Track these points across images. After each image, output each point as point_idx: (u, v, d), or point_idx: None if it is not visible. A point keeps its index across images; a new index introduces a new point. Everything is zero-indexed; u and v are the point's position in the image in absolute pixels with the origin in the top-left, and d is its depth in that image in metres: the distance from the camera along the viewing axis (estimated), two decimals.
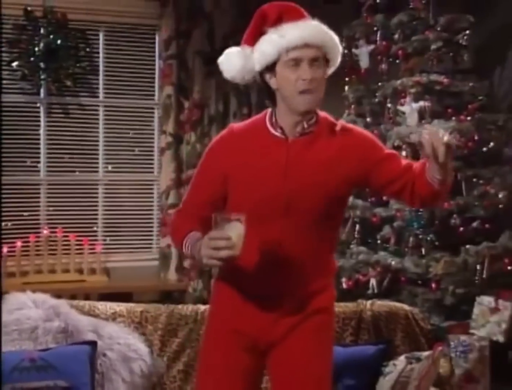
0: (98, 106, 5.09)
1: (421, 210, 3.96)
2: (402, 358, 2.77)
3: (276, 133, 2.23)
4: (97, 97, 5.08)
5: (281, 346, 2.26)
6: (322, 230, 2.24)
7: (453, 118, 4.12)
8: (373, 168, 2.24)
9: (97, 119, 5.09)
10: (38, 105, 4.94)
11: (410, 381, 2.64)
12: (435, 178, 2.08)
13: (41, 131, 4.96)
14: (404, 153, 4.12)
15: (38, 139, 4.95)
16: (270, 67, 2.19)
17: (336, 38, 2.22)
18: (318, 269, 2.28)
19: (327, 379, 2.27)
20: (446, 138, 1.99)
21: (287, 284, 2.23)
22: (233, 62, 2.24)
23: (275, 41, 2.14)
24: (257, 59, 2.19)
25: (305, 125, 2.20)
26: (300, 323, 2.25)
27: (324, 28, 2.20)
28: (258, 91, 5.15)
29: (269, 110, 2.27)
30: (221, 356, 2.26)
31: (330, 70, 2.26)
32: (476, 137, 4.11)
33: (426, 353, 2.72)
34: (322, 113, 2.28)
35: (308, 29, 2.15)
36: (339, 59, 2.26)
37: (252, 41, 2.21)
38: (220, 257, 2.01)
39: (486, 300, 3.86)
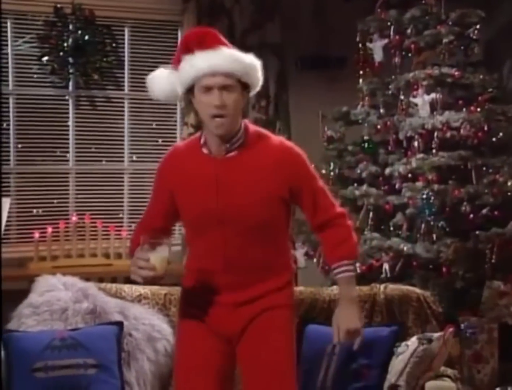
0: (123, 98, 5.17)
1: (432, 197, 4.01)
2: (414, 339, 2.78)
3: (206, 152, 2.32)
4: (123, 90, 5.16)
5: (243, 339, 2.37)
6: (262, 235, 2.34)
7: (464, 109, 4.15)
8: (304, 193, 2.36)
9: (123, 111, 5.17)
10: (67, 98, 5.03)
11: (422, 361, 2.67)
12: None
13: (70, 123, 5.04)
14: (416, 143, 4.22)
15: (67, 131, 5.04)
16: (191, 90, 2.28)
17: (252, 63, 2.28)
18: (267, 270, 2.38)
19: (289, 371, 2.35)
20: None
21: (237, 284, 2.35)
22: (162, 84, 2.33)
23: (188, 69, 2.23)
24: (180, 83, 2.27)
25: (228, 146, 2.29)
26: (258, 316, 2.35)
27: (237, 56, 2.25)
28: (276, 83, 5.30)
29: (202, 130, 2.37)
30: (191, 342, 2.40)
31: (251, 93, 2.34)
32: (485, 128, 4.13)
33: (437, 334, 2.73)
34: (254, 129, 2.37)
35: (216, 58, 2.21)
36: (259, 82, 2.32)
37: (177, 65, 2.28)
38: (141, 275, 2.19)
39: (495, 284, 3.93)
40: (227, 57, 2.23)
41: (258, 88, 2.35)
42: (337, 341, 2.37)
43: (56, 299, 2.97)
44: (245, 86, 2.29)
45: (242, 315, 2.37)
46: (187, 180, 2.34)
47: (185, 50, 2.27)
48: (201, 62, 2.21)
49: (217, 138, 2.28)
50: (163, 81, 2.32)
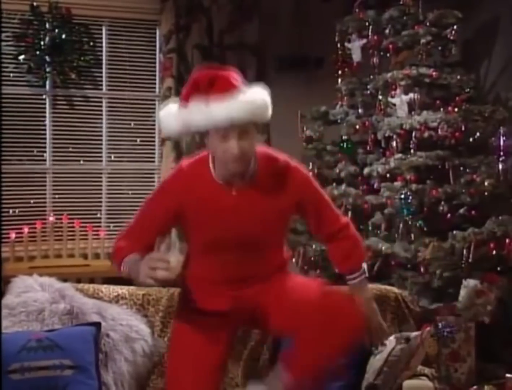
0: (101, 98, 5.16)
1: (410, 197, 4.04)
2: (391, 338, 2.77)
3: (219, 181, 2.33)
4: (101, 89, 5.14)
5: (256, 297, 2.42)
6: (271, 248, 2.46)
7: (441, 109, 4.16)
8: (309, 208, 2.44)
9: (101, 110, 5.16)
10: (44, 97, 5.01)
11: (400, 360, 2.66)
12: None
13: (47, 122, 5.02)
14: (394, 143, 4.24)
15: (44, 130, 5.02)
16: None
17: (264, 100, 2.24)
18: (273, 269, 2.48)
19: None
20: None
21: (242, 286, 2.43)
22: (172, 123, 2.29)
23: (203, 117, 2.18)
24: (190, 124, 2.22)
25: (242, 178, 2.31)
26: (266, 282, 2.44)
27: (251, 101, 2.20)
28: (255, 83, 5.27)
29: (210, 153, 2.34)
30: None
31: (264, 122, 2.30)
32: (463, 128, 4.15)
33: (415, 334, 2.73)
34: (262, 152, 2.37)
35: (233, 109, 2.17)
36: (268, 116, 2.28)
37: (186, 103, 2.23)
38: (157, 277, 2.12)
39: (472, 283, 3.92)
40: (243, 106, 2.18)
41: (267, 120, 2.31)
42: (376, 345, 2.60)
43: (32, 300, 2.94)
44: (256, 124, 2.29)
45: (249, 292, 2.44)
46: (201, 204, 2.33)
47: (195, 90, 2.21)
48: (218, 113, 2.17)
49: (232, 173, 2.30)
50: (173, 118, 2.28)
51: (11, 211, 4.92)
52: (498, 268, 4.05)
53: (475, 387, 3.41)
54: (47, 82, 4.98)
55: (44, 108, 5.03)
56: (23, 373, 2.62)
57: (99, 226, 5.14)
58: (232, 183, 2.33)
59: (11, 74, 4.90)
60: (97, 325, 2.89)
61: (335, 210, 2.55)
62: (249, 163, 2.29)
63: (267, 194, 2.34)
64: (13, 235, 4.74)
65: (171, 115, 2.29)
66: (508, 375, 3.36)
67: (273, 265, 2.48)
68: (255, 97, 2.23)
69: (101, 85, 5.16)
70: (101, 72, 5.15)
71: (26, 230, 4.81)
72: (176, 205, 2.35)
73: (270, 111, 2.28)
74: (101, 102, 5.18)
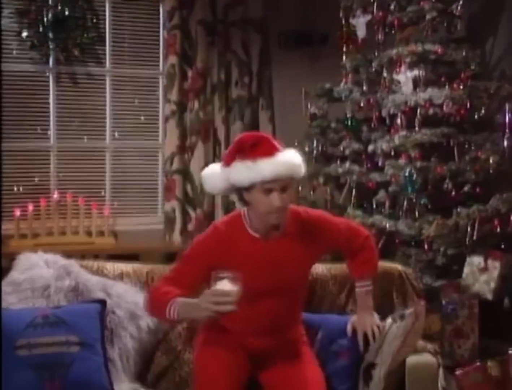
0: (104, 75, 5.14)
1: (414, 175, 4.03)
2: (389, 318, 2.78)
3: (255, 235, 2.58)
4: (104, 66, 5.12)
5: (269, 365, 2.65)
6: (298, 296, 2.72)
7: (446, 86, 4.13)
8: (332, 240, 2.72)
9: (104, 87, 5.14)
10: (47, 74, 4.99)
11: (396, 338, 2.66)
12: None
13: (51, 99, 5.01)
14: (398, 120, 4.21)
15: (48, 107, 5.01)
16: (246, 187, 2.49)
17: (300, 162, 2.54)
18: (295, 321, 2.75)
19: (320, 380, 2.64)
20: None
21: (272, 334, 2.65)
22: (216, 181, 2.57)
23: (251, 174, 2.45)
24: (235, 181, 2.49)
25: (277, 230, 2.58)
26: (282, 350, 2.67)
27: (292, 159, 2.52)
28: (259, 60, 5.27)
29: (243, 211, 2.62)
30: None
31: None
32: (468, 105, 4.12)
33: (409, 311, 2.73)
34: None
35: (280, 166, 2.46)
36: (303, 173, 2.56)
37: (229, 163, 2.50)
38: (221, 311, 2.30)
39: (476, 260, 3.95)
40: (286, 164, 2.49)
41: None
42: (363, 346, 2.75)
43: (38, 277, 2.94)
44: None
45: (268, 352, 2.67)
46: (237, 259, 2.53)
47: (239, 152, 2.49)
48: (266, 169, 2.44)
49: (270, 226, 2.56)
50: (216, 177, 2.56)
51: (15, 188, 4.94)
52: (502, 245, 4.06)
53: (478, 363, 3.41)
54: (50, 59, 4.95)
55: (48, 85, 5.01)
56: (30, 349, 2.64)
57: (104, 204, 5.14)
58: (267, 235, 2.59)
59: (14, 51, 4.88)
60: (103, 302, 2.90)
61: (355, 226, 2.84)
62: (287, 214, 2.57)
63: (298, 242, 2.61)
64: (17, 212, 4.75)
65: (214, 174, 2.58)
66: (511, 350, 3.36)
67: (294, 317, 2.74)
68: (293, 156, 2.54)
69: (105, 62, 5.14)
70: (105, 49, 5.13)
71: (30, 207, 4.81)
72: (213, 260, 2.52)
73: (304, 169, 2.57)
74: (104, 79, 5.16)
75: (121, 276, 3.11)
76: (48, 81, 5.01)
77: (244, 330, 2.64)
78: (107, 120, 5.19)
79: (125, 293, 3.01)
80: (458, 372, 3.32)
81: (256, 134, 2.64)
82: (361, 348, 2.74)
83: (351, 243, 2.77)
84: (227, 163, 2.52)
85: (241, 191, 2.53)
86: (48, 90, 5.01)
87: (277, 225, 2.56)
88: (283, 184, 2.48)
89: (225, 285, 2.31)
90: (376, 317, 2.78)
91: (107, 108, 5.18)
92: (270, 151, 2.48)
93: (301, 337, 2.78)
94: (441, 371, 2.83)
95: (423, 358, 2.76)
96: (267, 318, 2.60)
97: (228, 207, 5.11)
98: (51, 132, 5.06)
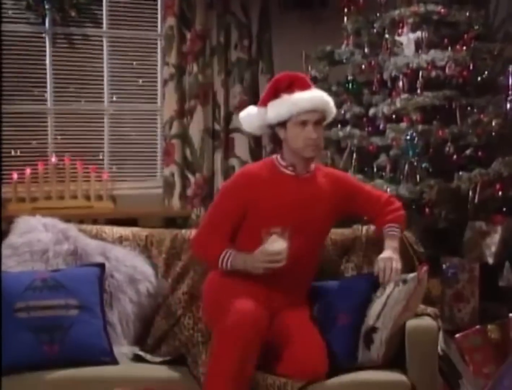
0: (102, 36, 5.06)
1: (416, 138, 4.00)
2: (391, 283, 2.78)
3: (288, 172, 2.79)
4: (101, 27, 5.05)
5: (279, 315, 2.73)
6: (318, 243, 2.87)
7: (449, 48, 4.09)
8: (357, 197, 2.91)
9: (101, 49, 5.07)
10: (43, 35, 4.91)
11: (398, 302, 2.67)
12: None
13: (47, 61, 4.93)
14: (400, 83, 4.18)
15: (45, 69, 4.94)
16: (281, 123, 2.73)
17: (332, 102, 2.80)
18: (309, 276, 2.87)
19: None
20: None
21: (289, 283, 2.76)
22: (252, 120, 2.83)
23: (289, 105, 2.69)
24: (272, 117, 2.73)
25: (311, 165, 2.81)
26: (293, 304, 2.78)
27: (326, 96, 2.79)
28: (259, 22, 5.20)
29: (274, 156, 2.85)
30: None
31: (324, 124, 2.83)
32: (471, 67, 4.09)
33: (412, 275, 2.74)
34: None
35: (315, 98, 2.72)
36: (333, 115, 2.84)
37: (267, 103, 2.76)
38: (273, 268, 2.57)
39: (478, 224, 3.96)
40: (321, 97, 2.76)
41: (329, 121, 2.88)
42: (383, 283, 2.77)
43: (36, 240, 2.96)
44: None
45: (280, 300, 2.77)
46: (268, 195, 2.72)
47: (280, 89, 2.73)
48: (303, 100, 2.69)
49: (305, 160, 2.78)
50: (254, 118, 2.82)
51: (12, 152, 4.90)
52: (504, 209, 4.05)
53: (478, 326, 3.42)
54: (47, 20, 4.87)
55: (44, 47, 4.94)
56: (29, 312, 2.66)
57: (102, 168, 5.12)
58: (299, 174, 2.79)
59: (10, 11, 4.79)
60: (101, 266, 2.91)
61: (378, 191, 3.07)
62: (320, 152, 2.85)
63: (326, 190, 2.81)
64: (15, 176, 4.72)
65: (251, 115, 2.83)
66: (511, 314, 3.37)
67: (313, 268, 2.87)
68: (326, 94, 2.79)
69: (102, 23, 5.06)
70: (102, 10, 5.04)
71: (28, 171, 4.79)
72: (246, 198, 2.72)
73: (333, 112, 2.83)
74: (101, 41, 5.09)
75: (120, 240, 3.12)
76: (45, 43, 4.94)
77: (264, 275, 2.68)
78: (105, 83, 5.12)
79: (124, 257, 3.02)
80: (457, 335, 3.32)
81: (291, 73, 2.82)
82: (381, 279, 2.78)
83: (378, 198, 2.94)
84: (264, 103, 2.77)
85: (276, 130, 2.76)
86: (45, 51, 4.94)
87: (311, 159, 2.78)
88: (317, 116, 2.71)
89: (274, 240, 2.53)
90: (396, 258, 2.81)
91: (105, 70, 5.11)
92: (306, 86, 2.74)
93: (306, 300, 2.87)
94: (441, 334, 2.84)
95: (423, 321, 2.77)
96: (289, 259, 2.63)
97: (227, 172, 5.09)
98: (48, 95, 4.99)
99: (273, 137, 2.89)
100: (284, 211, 2.69)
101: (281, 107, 2.70)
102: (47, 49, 4.94)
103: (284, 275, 2.66)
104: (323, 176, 2.85)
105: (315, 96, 2.72)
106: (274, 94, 2.75)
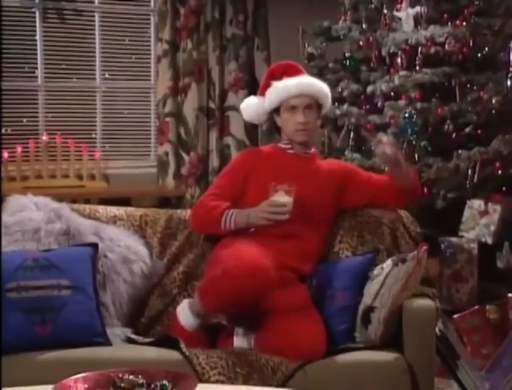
0: (93, 12, 5.01)
1: (414, 116, 3.97)
2: (389, 261, 2.77)
3: (291, 152, 2.91)
4: (93, 2, 4.99)
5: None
6: (320, 225, 2.87)
7: (449, 23, 4.04)
8: (356, 180, 2.96)
9: (93, 25, 5.02)
10: (33, 9, 4.86)
11: (397, 282, 2.64)
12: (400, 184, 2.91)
13: (38, 37, 4.89)
14: (399, 60, 4.12)
15: (35, 45, 4.89)
16: (277, 110, 2.88)
17: (326, 88, 2.91)
18: (312, 254, 2.86)
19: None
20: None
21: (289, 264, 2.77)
22: (251, 109, 2.97)
23: (279, 92, 2.83)
24: (267, 105, 2.89)
25: (306, 149, 2.93)
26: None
27: (316, 81, 2.90)
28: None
29: (278, 142, 2.98)
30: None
31: (323, 112, 2.97)
32: (471, 43, 4.04)
33: (411, 254, 2.70)
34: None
35: (302, 82, 2.84)
36: (329, 105, 2.98)
37: (264, 92, 2.90)
38: (276, 219, 2.65)
39: (477, 203, 3.93)
40: (310, 82, 2.88)
41: (327, 109, 3.01)
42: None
43: (27, 219, 2.90)
44: (319, 107, 2.91)
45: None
46: (271, 166, 2.86)
47: (271, 78, 2.88)
48: (290, 85, 2.82)
49: (300, 145, 2.91)
50: (253, 107, 2.96)
51: (3, 130, 4.85)
52: (503, 188, 4.02)
53: (477, 307, 3.42)
54: None
55: (34, 21, 4.89)
56: (20, 292, 2.60)
57: (95, 147, 5.08)
58: (298, 154, 2.92)
59: None
60: (95, 245, 2.86)
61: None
62: (311, 136, 2.92)
63: (324, 169, 2.93)
64: (6, 155, 4.69)
65: (251, 104, 2.97)
66: (510, 294, 3.36)
67: (314, 249, 2.86)
68: (318, 81, 2.92)
69: None
70: None
71: (19, 149, 4.75)
72: (250, 170, 2.85)
73: (329, 100, 2.96)
74: (93, 16, 5.03)
75: (114, 220, 3.08)
76: (35, 18, 4.89)
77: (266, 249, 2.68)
78: (97, 59, 5.08)
79: (117, 237, 2.97)
80: (456, 316, 3.32)
81: (285, 62, 2.97)
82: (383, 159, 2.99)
83: (380, 177, 3.02)
84: (262, 93, 2.92)
85: (274, 117, 2.90)
86: (35, 26, 4.90)
87: (304, 143, 2.89)
88: (308, 101, 2.82)
89: (280, 195, 2.63)
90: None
91: (97, 46, 5.07)
92: (296, 73, 2.88)
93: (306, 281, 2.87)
94: (439, 315, 2.81)
95: (421, 301, 2.73)
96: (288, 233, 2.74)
97: (222, 151, 5.05)
98: (39, 72, 4.95)
99: (274, 125, 2.96)
100: (283, 183, 2.74)
101: (273, 94, 2.85)
102: (37, 24, 4.90)
103: (284, 251, 2.73)
104: (323, 160, 3.02)
105: (301, 81, 2.84)
106: (268, 83, 2.89)
